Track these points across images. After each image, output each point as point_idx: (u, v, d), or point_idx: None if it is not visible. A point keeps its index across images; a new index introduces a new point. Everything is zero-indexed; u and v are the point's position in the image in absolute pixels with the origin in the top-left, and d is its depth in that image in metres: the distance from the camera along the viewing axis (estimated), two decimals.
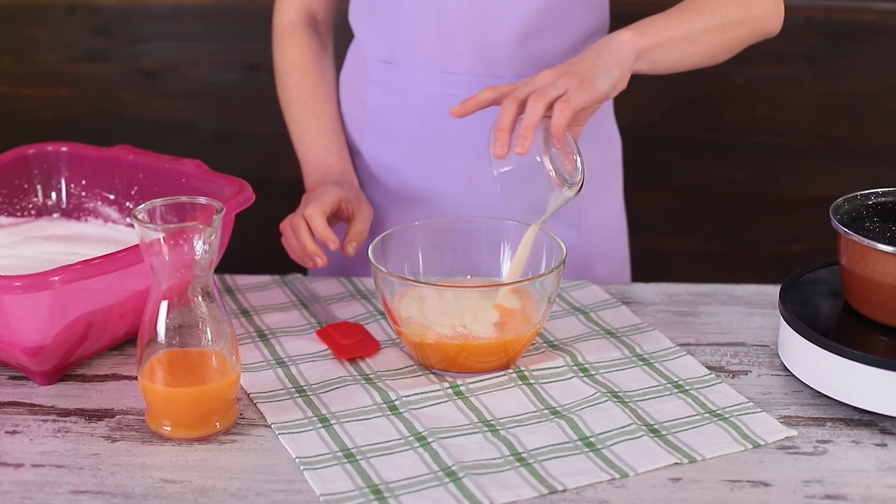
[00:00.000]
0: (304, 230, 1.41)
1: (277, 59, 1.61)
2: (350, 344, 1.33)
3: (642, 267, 2.08)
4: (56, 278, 1.16)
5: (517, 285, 1.29)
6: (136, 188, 1.46)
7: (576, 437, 1.17)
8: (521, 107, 1.28)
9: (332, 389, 1.26)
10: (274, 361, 1.31)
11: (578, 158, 1.28)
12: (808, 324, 1.24)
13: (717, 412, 1.22)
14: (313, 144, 1.56)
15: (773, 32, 1.49)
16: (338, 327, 1.37)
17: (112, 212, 1.47)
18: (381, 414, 1.22)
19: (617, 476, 1.12)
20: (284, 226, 1.43)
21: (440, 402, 1.24)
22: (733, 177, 2.41)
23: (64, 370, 1.27)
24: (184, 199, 1.17)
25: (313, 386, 1.26)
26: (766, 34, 1.48)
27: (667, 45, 1.38)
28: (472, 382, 1.27)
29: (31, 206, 1.48)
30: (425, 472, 1.12)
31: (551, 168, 1.26)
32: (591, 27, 1.53)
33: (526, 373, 1.28)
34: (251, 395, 1.24)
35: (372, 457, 1.14)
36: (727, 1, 1.44)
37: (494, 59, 1.50)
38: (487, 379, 1.28)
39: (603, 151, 1.63)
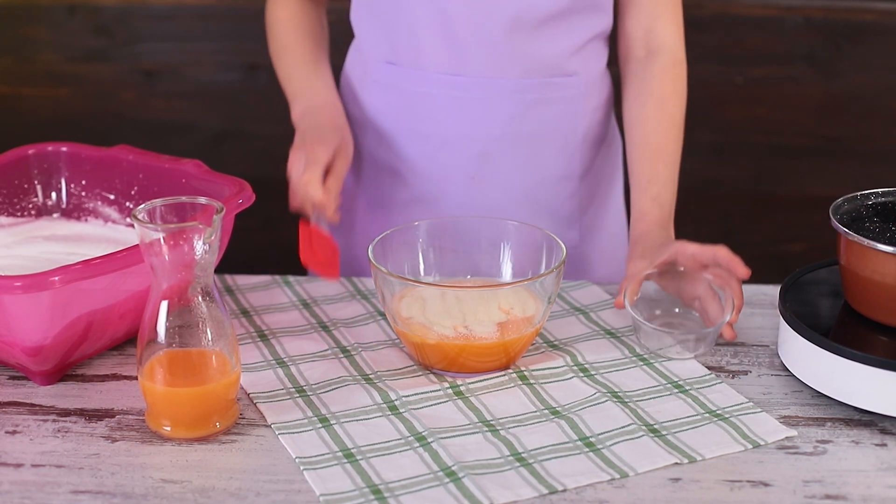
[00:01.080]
0: (306, 198, 1.40)
1: (269, 14, 1.61)
2: (318, 257, 1.34)
3: None
4: (56, 278, 1.16)
5: (519, 284, 1.29)
6: (136, 188, 1.46)
7: (575, 437, 1.17)
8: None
9: (332, 389, 1.26)
10: (274, 361, 1.31)
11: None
12: (807, 324, 1.24)
13: (717, 412, 1.22)
14: (297, 78, 1.56)
15: None
16: (322, 238, 1.38)
17: (112, 212, 1.47)
18: (381, 414, 1.22)
19: (617, 476, 1.12)
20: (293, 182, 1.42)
21: (440, 403, 1.24)
22: (733, 177, 2.41)
23: (64, 370, 1.27)
24: (184, 199, 1.17)
25: (313, 386, 1.26)
26: None
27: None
28: (472, 382, 1.27)
29: (31, 206, 1.48)
30: (425, 472, 1.12)
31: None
32: (595, 29, 1.53)
33: (526, 373, 1.28)
34: (251, 395, 1.24)
35: (372, 457, 1.14)
36: (674, 125, 1.52)
37: (499, 59, 1.50)
38: (487, 379, 1.28)
39: (604, 152, 1.63)
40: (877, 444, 1.17)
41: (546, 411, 1.22)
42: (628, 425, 1.19)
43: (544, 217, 1.58)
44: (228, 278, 1.50)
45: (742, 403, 1.23)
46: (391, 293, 1.27)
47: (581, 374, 1.28)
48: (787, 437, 1.18)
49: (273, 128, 1.96)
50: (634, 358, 1.32)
